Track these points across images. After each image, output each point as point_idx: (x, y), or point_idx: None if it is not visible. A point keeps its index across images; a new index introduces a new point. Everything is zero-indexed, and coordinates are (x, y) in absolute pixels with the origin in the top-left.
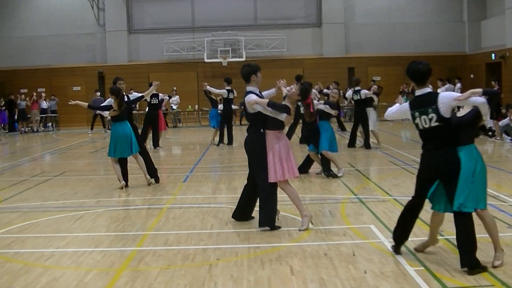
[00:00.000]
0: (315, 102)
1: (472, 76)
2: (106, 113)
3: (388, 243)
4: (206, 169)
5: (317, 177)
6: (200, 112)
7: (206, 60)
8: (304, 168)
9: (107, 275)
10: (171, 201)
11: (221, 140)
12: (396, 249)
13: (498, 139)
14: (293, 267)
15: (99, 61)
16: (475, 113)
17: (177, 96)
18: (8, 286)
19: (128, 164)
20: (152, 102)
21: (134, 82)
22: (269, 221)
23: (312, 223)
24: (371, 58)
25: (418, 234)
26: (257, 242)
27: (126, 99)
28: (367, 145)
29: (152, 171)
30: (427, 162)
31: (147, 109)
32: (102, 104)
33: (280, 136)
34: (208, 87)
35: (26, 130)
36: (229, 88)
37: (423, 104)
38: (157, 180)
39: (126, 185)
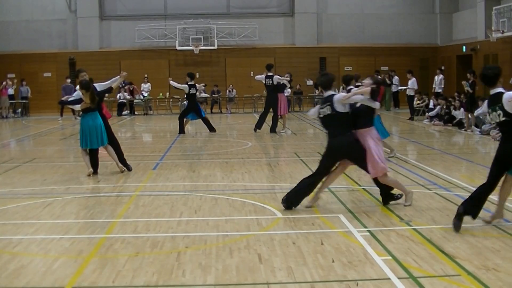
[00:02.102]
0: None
1: (443, 67)
2: (77, 107)
3: (357, 232)
4: (176, 156)
5: (288, 166)
6: (171, 100)
7: (178, 48)
8: None
9: (76, 262)
10: (140, 189)
11: (181, 131)
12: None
13: (469, 131)
14: (261, 256)
15: (70, 48)
16: None
17: (149, 84)
18: None
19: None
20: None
21: (105, 69)
22: (294, 202)
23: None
24: (343, 48)
25: (386, 224)
26: (226, 230)
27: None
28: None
29: (122, 160)
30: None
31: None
32: (70, 99)
33: (372, 132)
34: (171, 81)
35: None
36: (191, 83)
37: (494, 103)
38: (129, 168)
39: (95, 173)
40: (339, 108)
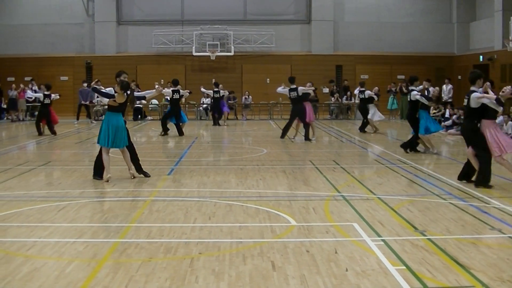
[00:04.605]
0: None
1: (459, 77)
2: (105, 100)
3: (371, 241)
4: (191, 162)
5: (302, 174)
6: (187, 106)
7: (194, 54)
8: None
9: (89, 266)
10: (155, 194)
11: (165, 132)
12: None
13: None
14: (274, 263)
15: (87, 52)
16: None
17: (171, 89)
18: None
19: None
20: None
21: None
22: (484, 183)
23: None
24: (359, 56)
25: (401, 234)
26: (240, 237)
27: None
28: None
29: (138, 166)
30: None
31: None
32: (103, 90)
33: (494, 122)
34: (156, 85)
35: (14, 118)
36: (175, 89)
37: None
38: (146, 175)
39: (101, 177)
40: (474, 104)
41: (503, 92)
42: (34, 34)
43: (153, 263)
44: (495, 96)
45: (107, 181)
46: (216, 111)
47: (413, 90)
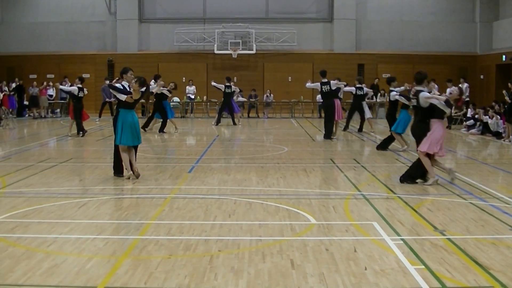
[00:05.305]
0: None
1: (482, 77)
2: (123, 97)
3: (390, 240)
4: (212, 160)
5: (323, 172)
6: (208, 104)
7: (216, 52)
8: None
9: (109, 262)
10: (175, 191)
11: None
12: None
13: (507, 141)
14: (294, 261)
15: (109, 49)
16: None
17: (194, 87)
18: (10, 270)
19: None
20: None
21: (143, 72)
22: (409, 179)
23: (438, 183)
24: (382, 55)
25: (420, 233)
26: (259, 234)
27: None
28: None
29: (118, 161)
30: None
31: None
32: (120, 87)
33: (442, 122)
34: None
35: (36, 115)
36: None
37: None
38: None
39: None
40: (423, 103)
41: (451, 94)
42: (56, 32)
43: (172, 260)
44: (444, 98)
45: (128, 178)
46: (227, 109)
47: (392, 90)
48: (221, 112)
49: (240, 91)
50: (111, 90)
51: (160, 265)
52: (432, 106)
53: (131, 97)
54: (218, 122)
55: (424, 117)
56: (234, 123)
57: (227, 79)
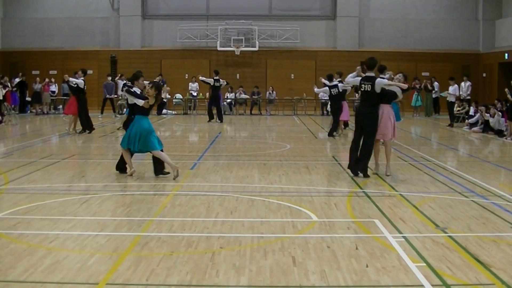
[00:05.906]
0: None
1: (484, 75)
2: (141, 102)
3: (392, 238)
4: (214, 157)
5: (325, 170)
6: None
7: (219, 48)
8: None
9: (110, 259)
10: (177, 188)
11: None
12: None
13: (509, 139)
14: (295, 258)
15: (112, 46)
16: None
17: (197, 83)
18: (11, 266)
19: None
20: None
21: (146, 68)
22: (364, 170)
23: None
24: (384, 53)
25: (422, 231)
26: (261, 232)
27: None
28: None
29: (123, 164)
30: None
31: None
32: (138, 92)
33: (390, 107)
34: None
35: (38, 111)
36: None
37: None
38: (125, 172)
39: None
40: (377, 89)
41: (399, 81)
42: (59, 28)
43: (174, 256)
44: (406, 86)
45: (131, 175)
46: (214, 104)
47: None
48: (210, 107)
49: (227, 83)
50: (127, 94)
51: (162, 262)
52: (383, 92)
53: (147, 102)
54: (211, 118)
55: (376, 103)
56: (221, 120)
57: (215, 72)
